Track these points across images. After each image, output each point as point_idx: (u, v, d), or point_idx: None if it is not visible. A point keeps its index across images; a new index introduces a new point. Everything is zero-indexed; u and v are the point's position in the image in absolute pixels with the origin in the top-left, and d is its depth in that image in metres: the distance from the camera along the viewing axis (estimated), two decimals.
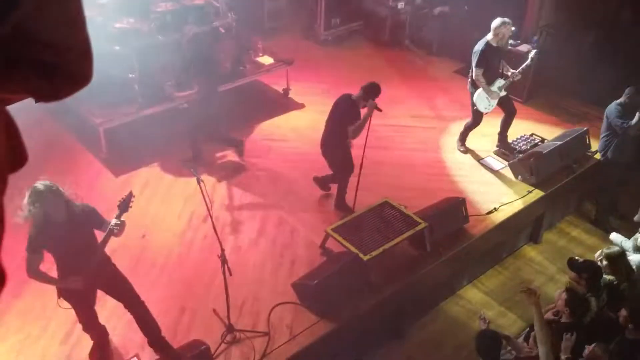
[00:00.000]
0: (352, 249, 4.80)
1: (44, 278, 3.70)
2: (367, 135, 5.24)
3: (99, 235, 3.83)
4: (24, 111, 1.01)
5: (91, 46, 0.76)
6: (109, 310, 4.41)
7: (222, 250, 4.11)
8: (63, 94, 0.76)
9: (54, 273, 3.82)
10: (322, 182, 5.84)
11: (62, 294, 3.82)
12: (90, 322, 4.04)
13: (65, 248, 3.67)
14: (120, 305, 4.50)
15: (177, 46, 6.38)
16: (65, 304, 3.84)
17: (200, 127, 6.06)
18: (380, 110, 5.24)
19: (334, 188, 5.78)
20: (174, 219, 5.59)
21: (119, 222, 3.74)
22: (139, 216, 5.48)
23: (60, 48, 0.72)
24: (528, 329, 4.61)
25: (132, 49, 6.22)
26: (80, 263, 3.71)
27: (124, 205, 3.79)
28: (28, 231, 3.57)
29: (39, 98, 0.76)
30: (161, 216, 5.62)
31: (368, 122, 5.22)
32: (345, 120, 5.26)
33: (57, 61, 0.72)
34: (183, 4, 6.80)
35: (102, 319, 4.22)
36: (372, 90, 5.24)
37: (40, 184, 3.49)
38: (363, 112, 5.30)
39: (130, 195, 3.85)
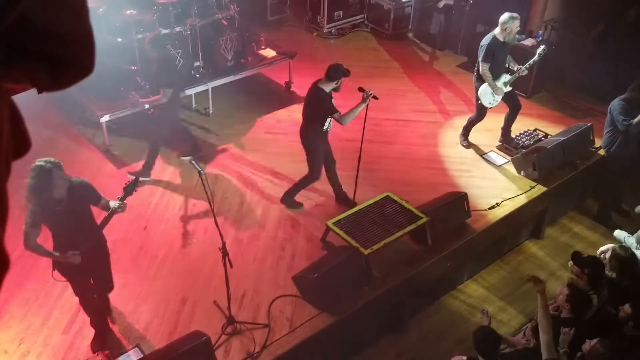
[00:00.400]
0: (353, 242, 4.80)
1: (42, 251, 3.68)
2: (364, 128, 5.11)
3: (94, 210, 3.89)
4: (27, 103, 1.01)
5: (94, 37, 0.76)
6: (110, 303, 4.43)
7: (223, 242, 4.12)
8: (65, 84, 0.76)
9: (49, 247, 3.80)
10: (289, 200, 5.56)
11: (57, 266, 3.85)
12: (85, 295, 4.08)
13: (64, 222, 3.69)
14: (120, 297, 4.54)
15: (140, 50, 6.19)
16: (59, 276, 3.87)
17: (164, 134, 5.74)
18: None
19: (307, 190, 5.55)
20: (175, 211, 5.60)
21: (122, 203, 3.77)
22: (141, 208, 5.50)
23: (64, 39, 0.72)
24: (528, 324, 4.61)
25: (134, 41, 6.20)
26: (78, 237, 3.74)
27: (130, 188, 3.85)
28: (28, 206, 3.55)
29: (41, 88, 0.76)
30: (162, 208, 5.63)
31: (364, 111, 4.98)
32: (311, 108, 5.06)
33: (60, 52, 0.72)
34: None
35: None
36: (334, 73, 4.93)
37: (42, 161, 3.46)
38: (340, 97, 5.07)
39: (137, 179, 3.93)
